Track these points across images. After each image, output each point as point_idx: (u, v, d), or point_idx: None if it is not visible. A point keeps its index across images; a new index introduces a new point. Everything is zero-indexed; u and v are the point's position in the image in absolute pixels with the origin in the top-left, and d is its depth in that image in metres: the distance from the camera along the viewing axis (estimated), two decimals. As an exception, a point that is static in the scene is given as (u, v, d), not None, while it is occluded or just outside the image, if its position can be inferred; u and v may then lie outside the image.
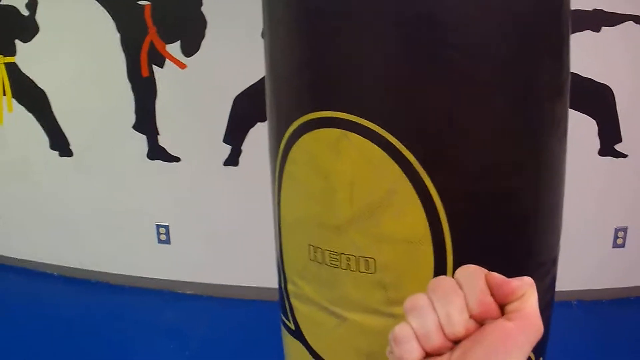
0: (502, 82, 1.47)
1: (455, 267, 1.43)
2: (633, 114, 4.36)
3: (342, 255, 1.52)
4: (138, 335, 4.46)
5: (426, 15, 1.40)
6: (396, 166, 1.41)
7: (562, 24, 1.58)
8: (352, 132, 1.43)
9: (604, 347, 4.23)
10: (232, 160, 4.60)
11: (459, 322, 0.73)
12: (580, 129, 4.33)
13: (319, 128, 1.48)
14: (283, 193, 1.67)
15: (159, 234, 4.90)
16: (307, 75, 1.53)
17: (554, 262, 1.77)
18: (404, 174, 1.40)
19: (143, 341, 4.40)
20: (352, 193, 1.46)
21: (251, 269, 4.52)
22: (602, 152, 4.46)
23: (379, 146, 1.41)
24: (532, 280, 0.77)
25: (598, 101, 4.33)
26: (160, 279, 4.97)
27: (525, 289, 0.76)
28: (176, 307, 4.87)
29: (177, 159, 4.70)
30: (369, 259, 1.49)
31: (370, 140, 1.41)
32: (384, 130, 1.40)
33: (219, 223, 4.74)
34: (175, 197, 4.81)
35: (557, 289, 4.66)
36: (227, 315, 4.67)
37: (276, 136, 1.65)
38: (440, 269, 1.46)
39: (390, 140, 1.40)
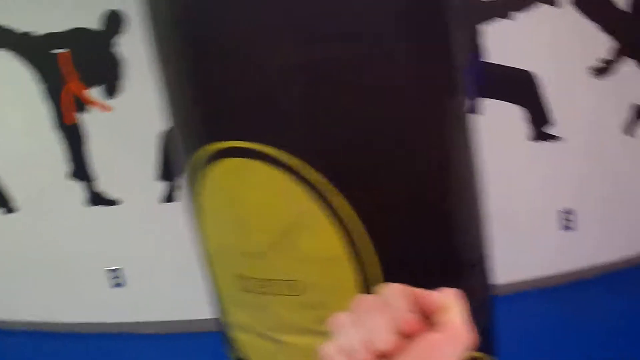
0: (395, 86, 1.48)
1: (380, 278, 1.46)
2: (564, 97, 4.43)
3: (267, 281, 1.53)
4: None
5: (317, 35, 1.42)
6: (301, 189, 1.42)
7: (445, 23, 1.60)
8: (254, 159, 1.44)
9: (568, 331, 4.27)
10: (170, 196, 4.63)
11: (383, 339, 0.75)
12: (511, 117, 4.41)
13: (222, 158, 1.49)
14: (201, 227, 1.68)
15: (111, 278, 4.88)
16: (203, 108, 1.54)
17: (483, 258, 1.78)
18: (310, 195, 1.41)
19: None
20: (263, 219, 1.48)
21: (208, 300, 4.53)
22: (535, 137, 4.52)
23: (282, 171, 1.42)
24: (456, 290, 0.78)
25: (522, 88, 4.39)
26: (120, 323, 4.93)
27: (448, 300, 0.78)
28: (139, 348, 4.84)
29: (116, 202, 4.70)
30: (293, 282, 1.50)
31: (272, 166, 1.42)
32: (286, 155, 1.41)
33: (168, 259, 4.73)
34: (122, 240, 4.79)
35: (514, 279, 4.71)
36: (190, 349, 4.65)
37: (186, 170, 1.65)
38: (363, 282, 1.47)
39: (292, 164, 1.41)
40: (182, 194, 4.42)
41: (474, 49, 4.20)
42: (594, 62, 4.38)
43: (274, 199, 1.46)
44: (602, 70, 4.39)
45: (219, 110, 1.50)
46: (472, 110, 4.36)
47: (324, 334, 1.35)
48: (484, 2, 4.14)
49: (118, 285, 4.89)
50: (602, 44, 4.38)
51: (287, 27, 1.42)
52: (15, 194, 4.91)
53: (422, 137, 1.53)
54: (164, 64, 1.65)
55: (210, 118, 1.53)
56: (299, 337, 1.58)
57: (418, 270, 1.53)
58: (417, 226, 1.57)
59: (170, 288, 4.82)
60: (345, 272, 1.48)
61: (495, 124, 4.29)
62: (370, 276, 1.48)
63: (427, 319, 0.77)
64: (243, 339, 1.75)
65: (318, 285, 1.50)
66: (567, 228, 4.75)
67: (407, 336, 0.75)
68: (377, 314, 0.75)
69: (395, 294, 0.76)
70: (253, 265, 1.55)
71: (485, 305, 1.83)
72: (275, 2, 1.41)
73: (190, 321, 4.78)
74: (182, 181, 1.75)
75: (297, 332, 1.58)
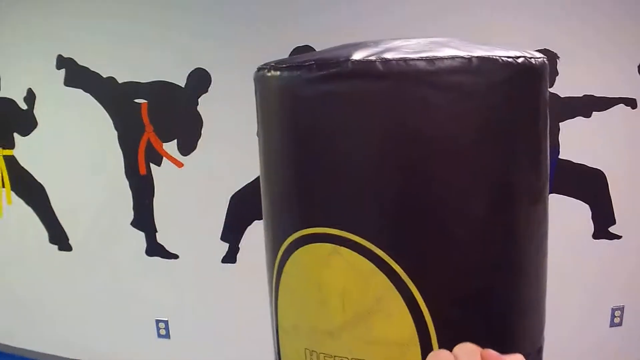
0: (482, 192, 1.57)
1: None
2: (626, 195, 4.46)
3: (336, 357, 1.60)
4: None
5: (411, 134, 1.52)
6: (383, 276, 1.51)
7: (539, 132, 1.69)
8: (341, 246, 1.54)
9: None
10: (230, 257, 4.70)
11: None
12: (575, 212, 4.44)
13: (311, 243, 1.60)
14: (279, 302, 1.77)
15: (158, 328, 4.93)
16: (299, 194, 1.66)
17: (538, 351, 1.84)
18: (391, 283, 1.50)
19: None
20: (343, 302, 1.56)
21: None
22: (597, 235, 4.53)
23: (366, 258, 1.52)
24: (522, 357, 0.84)
25: (591, 186, 4.43)
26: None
27: None
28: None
29: (175, 256, 4.77)
30: (361, 361, 1.57)
31: (358, 253, 1.52)
32: (371, 244, 1.51)
33: (217, 318, 4.79)
34: (174, 293, 4.88)
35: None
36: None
37: (272, 249, 1.76)
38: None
39: (377, 252, 1.51)
40: (245, 257, 4.53)
41: (552, 143, 4.25)
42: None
43: (356, 283, 1.56)
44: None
45: (315, 199, 1.63)
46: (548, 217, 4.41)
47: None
48: (567, 99, 4.20)
49: (163, 336, 4.94)
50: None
51: (380, 129, 1.54)
52: (76, 234, 5.01)
53: (498, 241, 1.63)
54: (266, 150, 1.78)
55: (306, 206, 1.66)
56: (360, 413, 1.63)
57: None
58: (481, 321, 1.63)
59: (213, 347, 4.86)
60: (412, 356, 1.53)
61: (558, 217, 4.32)
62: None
63: None
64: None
65: (384, 367, 1.56)
66: (615, 324, 4.74)
67: None
68: None
69: (469, 351, 0.82)
70: (324, 342, 1.64)
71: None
72: (371, 111, 1.53)
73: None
74: (266, 261, 1.83)
75: (358, 409, 1.63)
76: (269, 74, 1.67)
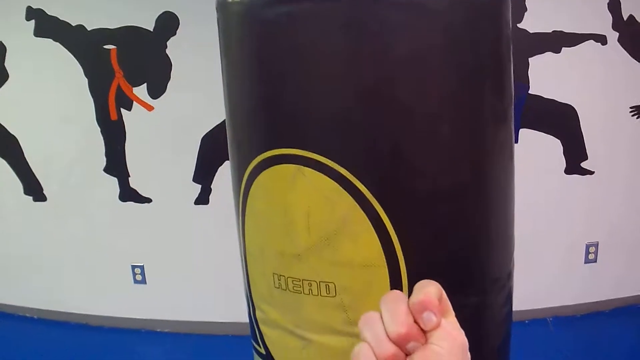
0: (445, 112, 1.57)
1: (410, 286, 1.52)
2: (598, 131, 4.48)
3: (304, 281, 1.61)
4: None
5: (372, 55, 1.51)
6: (349, 196, 1.51)
7: (502, 53, 1.69)
8: (306, 166, 1.54)
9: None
10: (203, 198, 4.70)
11: (402, 321, 0.81)
12: (547, 148, 4.45)
13: (276, 164, 1.60)
14: (247, 227, 1.77)
15: (134, 274, 4.94)
16: (263, 117, 1.66)
17: (508, 276, 1.85)
18: (356, 204, 1.51)
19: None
20: (309, 224, 1.56)
21: (227, 304, 4.58)
22: (569, 171, 4.56)
23: (331, 178, 1.52)
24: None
25: (562, 121, 4.44)
26: (138, 319, 5.00)
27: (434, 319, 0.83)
28: (155, 345, 4.90)
29: (148, 200, 4.76)
30: (328, 284, 1.59)
31: (323, 174, 1.52)
32: (336, 164, 1.51)
33: (193, 261, 4.81)
34: (148, 238, 4.88)
35: (532, 307, 4.73)
36: (205, 351, 4.72)
37: (238, 174, 1.76)
38: (396, 289, 1.54)
39: (342, 172, 1.50)
40: (218, 197, 4.53)
41: (521, 79, 4.25)
42: (637, 102, 4.44)
43: (321, 204, 1.56)
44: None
45: (278, 121, 1.63)
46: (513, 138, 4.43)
47: (351, 335, 1.43)
48: (536, 34, 4.20)
49: (139, 282, 4.95)
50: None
51: (341, 50, 1.53)
52: (50, 184, 4.99)
53: (464, 161, 1.63)
54: (229, 77, 1.76)
55: (270, 128, 1.65)
56: (327, 336, 1.67)
57: (444, 283, 1.60)
58: (449, 242, 1.64)
59: (190, 290, 4.89)
60: (380, 279, 1.56)
61: (530, 154, 4.32)
62: (403, 285, 1.54)
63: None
64: (271, 335, 1.84)
65: (352, 289, 1.58)
66: (590, 261, 4.78)
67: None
68: (399, 302, 0.82)
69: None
70: (292, 265, 1.64)
71: (506, 320, 1.89)
72: (331, 32, 1.52)
73: (205, 323, 4.84)
74: (232, 186, 1.83)
75: (325, 332, 1.67)
76: (230, 0, 1.66)
